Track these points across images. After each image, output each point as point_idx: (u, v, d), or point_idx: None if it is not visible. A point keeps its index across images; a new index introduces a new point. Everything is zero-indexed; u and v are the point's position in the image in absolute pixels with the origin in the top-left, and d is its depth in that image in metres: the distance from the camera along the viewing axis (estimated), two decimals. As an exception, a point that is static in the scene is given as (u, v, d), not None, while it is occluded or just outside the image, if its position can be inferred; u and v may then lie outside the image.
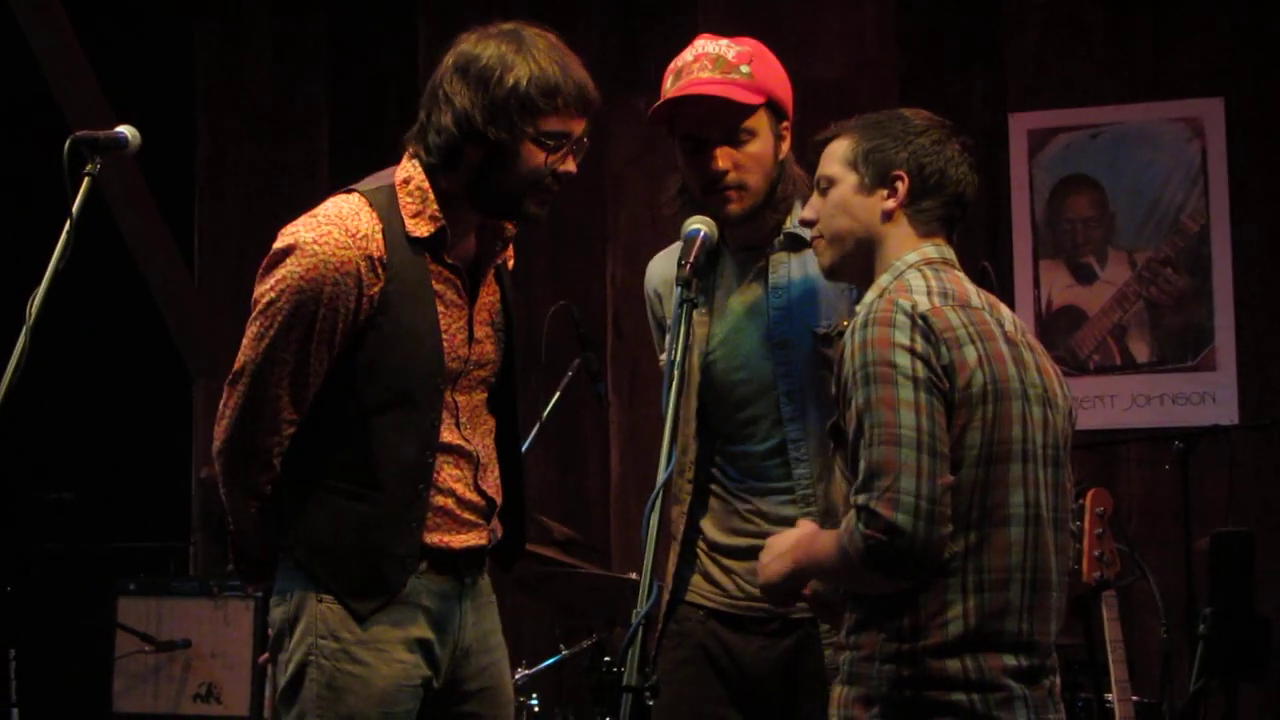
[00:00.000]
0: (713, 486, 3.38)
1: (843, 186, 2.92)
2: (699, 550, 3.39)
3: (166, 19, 7.01)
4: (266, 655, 3.23)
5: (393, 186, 3.11)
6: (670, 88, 3.31)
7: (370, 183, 3.14)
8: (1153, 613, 5.10)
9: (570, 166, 3.11)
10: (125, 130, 3.11)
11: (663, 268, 3.49)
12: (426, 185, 3.09)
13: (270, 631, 3.19)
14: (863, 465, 2.68)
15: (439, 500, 3.12)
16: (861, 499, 2.66)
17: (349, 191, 3.12)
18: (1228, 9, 6.27)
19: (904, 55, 6.55)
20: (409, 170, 3.12)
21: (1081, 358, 6.27)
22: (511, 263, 3.37)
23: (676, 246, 3.25)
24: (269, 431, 3.07)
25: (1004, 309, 2.90)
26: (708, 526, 3.38)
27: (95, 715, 5.99)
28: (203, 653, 5.94)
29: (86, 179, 3.02)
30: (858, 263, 2.92)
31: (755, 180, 3.28)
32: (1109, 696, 4.39)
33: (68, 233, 2.96)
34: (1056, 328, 6.29)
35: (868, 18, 6.58)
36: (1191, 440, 5.30)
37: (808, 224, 3.01)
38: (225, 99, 7.17)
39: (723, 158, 3.25)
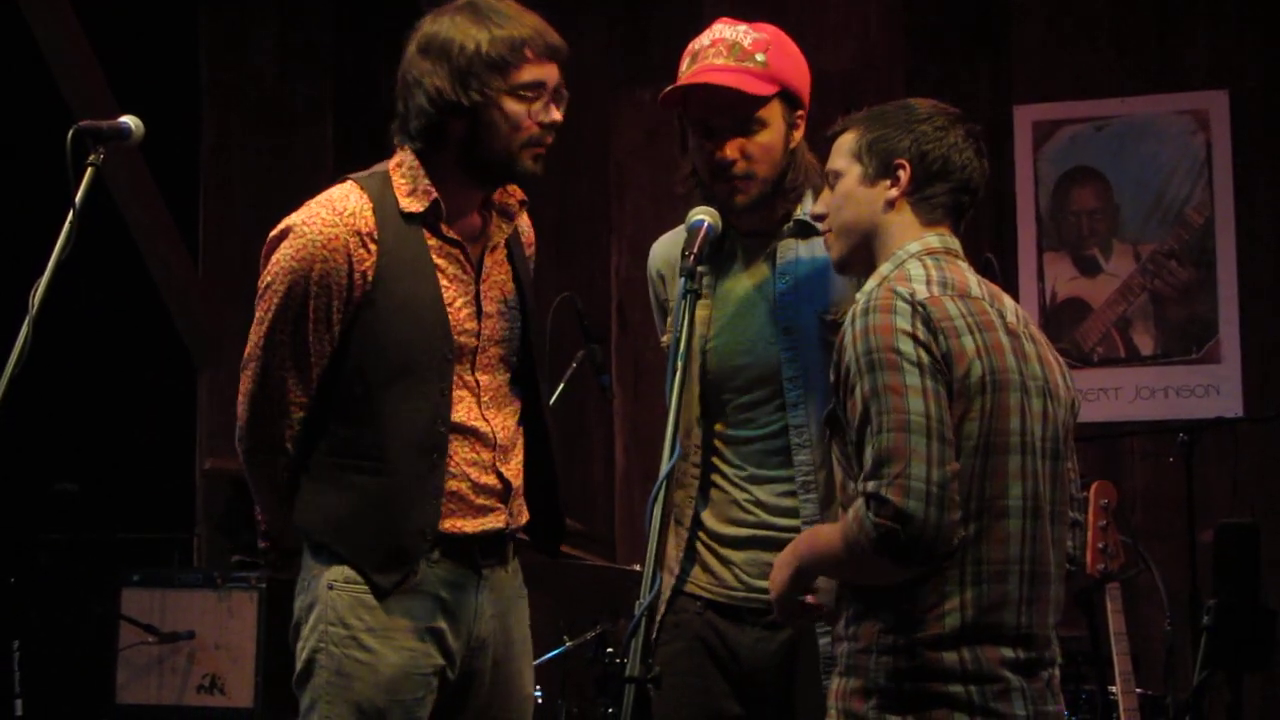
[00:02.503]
0: (714, 475, 3.37)
1: (848, 179, 2.92)
2: (699, 540, 3.39)
3: (172, 9, 7.00)
4: None
5: (386, 172, 3.15)
6: (685, 71, 3.30)
7: (364, 172, 3.19)
8: (1157, 605, 5.10)
9: (555, 115, 3.13)
10: (129, 120, 3.11)
11: (666, 249, 3.48)
12: (418, 165, 3.13)
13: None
14: (871, 452, 2.66)
15: (452, 485, 3.13)
16: (871, 486, 2.64)
17: (343, 180, 3.17)
18: (1233, 1, 6.26)
19: (910, 47, 6.55)
20: (400, 157, 3.16)
21: (1086, 350, 6.27)
22: (532, 250, 3.39)
23: (681, 230, 3.24)
24: (278, 414, 3.12)
25: (1006, 300, 2.89)
26: (707, 516, 3.37)
27: (99, 706, 5.99)
28: (206, 644, 5.94)
29: (90, 169, 3.03)
30: (865, 254, 2.92)
31: (763, 170, 3.27)
32: (1113, 688, 4.39)
33: (70, 223, 2.96)
34: (1061, 320, 6.29)
35: (873, 9, 6.58)
36: (1196, 433, 5.29)
37: (819, 218, 3.00)
38: (230, 90, 7.17)
39: (731, 147, 3.24)
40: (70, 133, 3.02)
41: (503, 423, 3.22)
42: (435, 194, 3.11)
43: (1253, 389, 6.12)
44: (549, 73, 3.11)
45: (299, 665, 3.15)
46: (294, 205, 3.18)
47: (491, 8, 3.10)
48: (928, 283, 2.78)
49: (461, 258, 3.18)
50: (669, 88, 3.29)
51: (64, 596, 6.22)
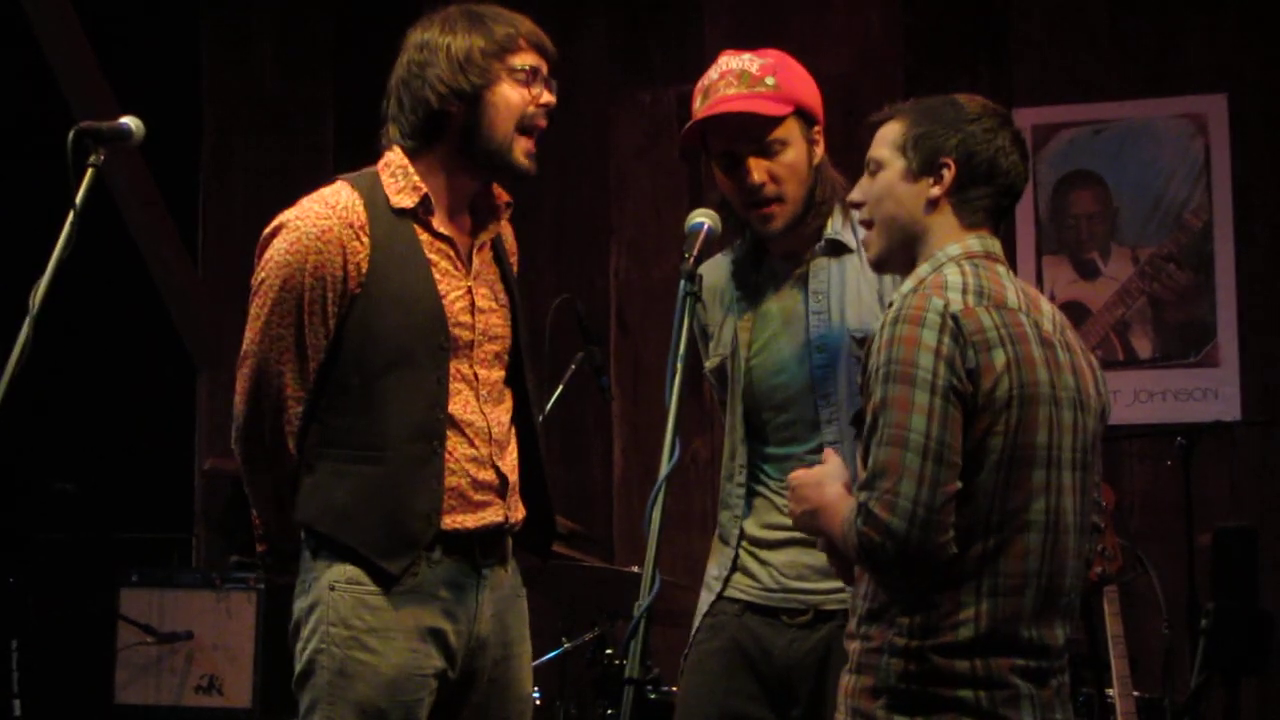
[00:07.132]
0: (758, 488, 3.43)
1: (890, 171, 2.88)
2: (742, 549, 3.43)
3: (173, 10, 7.01)
4: None
5: (375, 172, 3.21)
6: (699, 108, 3.35)
7: (354, 173, 3.24)
8: (1154, 608, 5.10)
9: (549, 97, 3.22)
10: (129, 121, 3.13)
11: (709, 274, 3.48)
12: (406, 163, 3.19)
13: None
14: (869, 463, 2.67)
15: (452, 481, 3.16)
16: (862, 496, 2.65)
17: (333, 180, 3.22)
18: (1233, 5, 6.27)
19: (909, 50, 6.55)
20: (388, 157, 3.22)
21: (1084, 353, 6.27)
22: (515, 258, 3.43)
23: (720, 256, 3.29)
24: (277, 410, 3.14)
25: (1044, 305, 2.85)
26: (750, 526, 3.43)
27: (97, 707, 5.99)
28: (205, 644, 5.95)
29: (90, 170, 3.04)
30: (904, 253, 2.88)
31: (792, 190, 3.32)
32: (1110, 692, 4.40)
33: (71, 223, 2.98)
34: (1060, 323, 6.28)
35: (872, 13, 6.57)
36: (1194, 436, 5.29)
37: (855, 205, 2.98)
38: (231, 90, 7.17)
39: (757, 170, 3.29)
40: (71, 133, 3.03)
41: (498, 418, 3.26)
42: (424, 189, 3.17)
43: (1251, 393, 6.11)
44: (542, 64, 3.21)
45: (299, 666, 3.16)
46: (294, 206, 3.21)
47: (484, 11, 3.20)
48: (964, 291, 2.74)
49: (452, 254, 3.22)
50: (688, 126, 3.34)
51: (62, 596, 6.22)
